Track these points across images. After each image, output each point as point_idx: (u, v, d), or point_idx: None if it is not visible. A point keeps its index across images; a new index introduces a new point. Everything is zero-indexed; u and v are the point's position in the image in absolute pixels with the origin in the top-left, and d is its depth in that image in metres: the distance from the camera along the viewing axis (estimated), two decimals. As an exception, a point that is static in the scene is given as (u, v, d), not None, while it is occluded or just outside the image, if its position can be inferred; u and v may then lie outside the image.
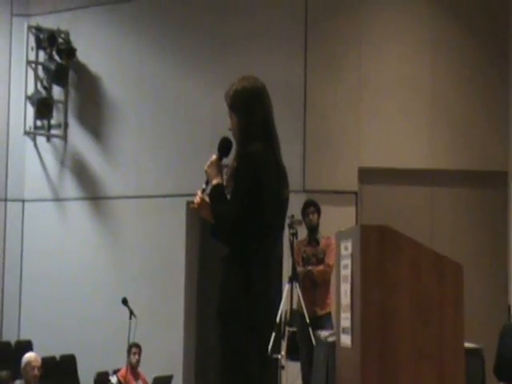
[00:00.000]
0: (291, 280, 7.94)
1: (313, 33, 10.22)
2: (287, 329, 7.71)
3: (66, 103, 11.83)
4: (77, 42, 11.69)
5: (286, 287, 7.83)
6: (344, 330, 4.33)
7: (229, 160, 3.85)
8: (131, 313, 8.87)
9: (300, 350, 7.90)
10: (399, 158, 10.05)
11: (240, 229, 3.63)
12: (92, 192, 11.49)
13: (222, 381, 3.67)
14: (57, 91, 11.82)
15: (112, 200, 11.33)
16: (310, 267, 8.29)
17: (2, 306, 11.80)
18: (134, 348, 9.44)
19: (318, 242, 8.45)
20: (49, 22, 11.77)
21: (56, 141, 11.86)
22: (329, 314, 8.18)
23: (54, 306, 11.34)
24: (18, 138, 11.93)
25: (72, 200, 11.63)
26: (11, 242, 11.90)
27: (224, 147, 3.85)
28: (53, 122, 11.84)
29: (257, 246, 3.67)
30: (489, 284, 9.83)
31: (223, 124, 3.94)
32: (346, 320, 4.28)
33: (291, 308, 7.93)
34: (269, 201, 3.68)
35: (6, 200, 12.00)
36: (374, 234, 4.07)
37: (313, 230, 8.47)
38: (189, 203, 10.39)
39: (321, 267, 8.28)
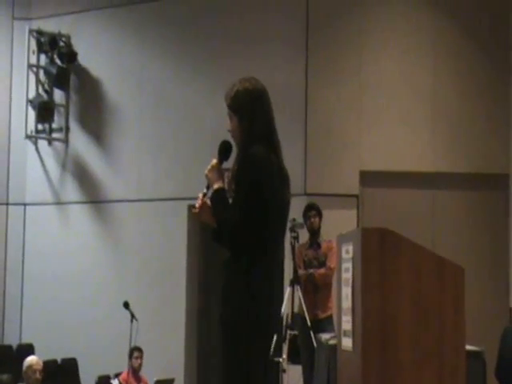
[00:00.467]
0: (292, 283, 7.95)
1: (314, 37, 10.23)
2: (288, 332, 7.71)
3: (67, 107, 11.84)
4: (78, 46, 11.71)
5: (287, 290, 7.83)
6: (345, 333, 4.34)
7: (229, 163, 3.83)
8: (132, 316, 8.87)
9: (301, 353, 7.90)
10: (400, 161, 10.05)
11: (243, 233, 3.59)
12: (93, 195, 11.50)
13: None
14: (58, 95, 11.84)
15: (113, 203, 11.34)
16: (311, 270, 8.29)
17: (4, 309, 11.81)
18: (136, 352, 9.44)
19: (319, 246, 8.45)
20: (50, 26, 11.79)
21: (57, 144, 11.88)
22: (330, 317, 8.18)
23: (55, 309, 11.35)
24: (19, 141, 11.95)
25: (73, 203, 11.64)
26: (13, 245, 11.91)
27: (224, 150, 3.81)
28: (54, 125, 11.86)
29: (260, 250, 3.64)
30: (490, 286, 9.83)
31: (224, 128, 3.93)
32: (347, 323, 4.28)
33: (292, 311, 7.93)
34: (272, 204, 3.65)
35: (7, 204, 12.02)
36: (375, 237, 4.07)
37: (314, 233, 8.47)
38: (190, 206, 10.37)
39: (322, 270, 8.29)
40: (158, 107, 11.13)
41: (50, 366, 9.45)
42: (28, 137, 11.86)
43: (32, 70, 11.85)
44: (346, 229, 4.91)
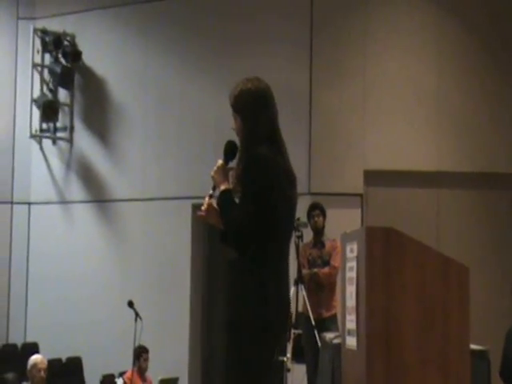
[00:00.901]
0: (297, 282, 7.95)
1: (318, 37, 10.24)
2: (293, 331, 7.71)
3: (71, 106, 11.86)
4: (82, 45, 11.72)
5: (291, 290, 7.84)
6: (349, 332, 4.34)
7: (234, 163, 3.82)
8: (137, 315, 8.89)
9: (305, 352, 7.91)
10: (404, 161, 10.05)
11: (251, 234, 3.56)
12: (97, 195, 11.51)
13: None
14: (63, 94, 11.86)
15: (117, 203, 11.35)
16: (315, 269, 8.30)
17: (9, 308, 11.83)
18: (145, 354, 9.43)
19: (323, 245, 8.46)
20: (54, 25, 11.81)
21: (62, 143, 11.89)
22: (334, 316, 8.19)
23: (59, 308, 11.37)
24: (23, 140, 11.97)
25: (78, 203, 11.66)
26: (17, 244, 11.93)
27: (230, 151, 3.78)
28: (58, 124, 11.87)
29: (268, 250, 3.62)
30: (494, 285, 9.82)
31: (228, 127, 3.93)
32: (351, 322, 4.29)
33: (296, 310, 7.94)
34: (279, 205, 3.63)
35: (12, 203, 12.04)
36: (380, 235, 4.07)
37: (318, 232, 8.48)
38: (194, 206, 10.41)
39: (326, 269, 8.29)
40: (162, 106, 11.14)
41: (54, 365, 9.47)
42: (32, 136, 11.88)
43: (36, 70, 11.87)
44: (350, 228, 4.91)
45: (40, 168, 11.98)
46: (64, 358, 10.53)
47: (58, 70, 11.57)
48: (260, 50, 10.39)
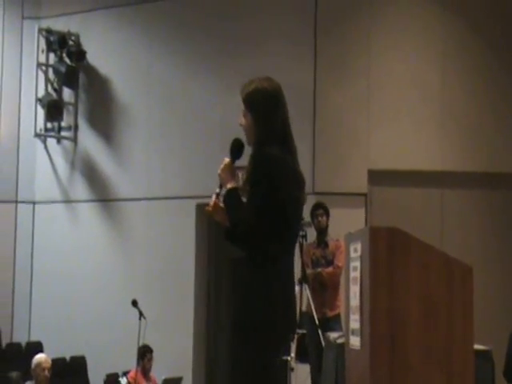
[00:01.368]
0: (300, 282, 7.95)
1: (322, 36, 10.24)
2: (296, 331, 7.71)
3: (76, 105, 11.88)
4: (87, 45, 11.74)
5: (295, 289, 7.83)
6: (353, 332, 4.34)
7: (242, 162, 3.80)
8: (141, 314, 8.90)
9: (309, 352, 7.91)
10: (408, 160, 10.05)
11: (259, 233, 3.55)
12: (102, 194, 11.53)
13: None
14: (67, 93, 11.88)
15: (122, 202, 11.37)
16: (319, 269, 8.30)
17: (13, 307, 11.86)
18: (149, 353, 9.43)
19: (327, 245, 8.46)
20: (59, 25, 11.83)
21: (66, 143, 11.91)
22: (338, 315, 8.18)
23: (64, 307, 11.38)
24: (28, 140, 12.00)
25: (82, 202, 11.67)
26: (22, 243, 11.95)
27: (236, 149, 3.76)
28: (63, 124, 11.89)
29: (276, 250, 3.62)
30: (498, 285, 9.82)
31: (233, 126, 3.92)
32: (355, 322, 4.29)
33: (300, 310, 7.93)
34: (288, 206, 3.62)
35: (16, 202, 12.06)
36: (384, 235, 4.06)
37: (322, 232, 8.48)
38: (198, 205, 10.42)
39: (330, 269, 8.29)
40: (166, 106, 11.15)
41: (58, 364, 9.48)
42: (37, 135, 11.90)
43: (41, 69, 11.89)
44: (354, 228, 4.91)
45: (44, 167, 12.00)
46: (68, 357, 10.54)
47: (62, 69, 11.59)
48: (264, 49, 10.40)
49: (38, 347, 10.66)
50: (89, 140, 11.72)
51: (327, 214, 8.49)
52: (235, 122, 3.84)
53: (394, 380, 4.00)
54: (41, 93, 11.80)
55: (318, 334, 7.67)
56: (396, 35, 10.22)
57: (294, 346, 7.58)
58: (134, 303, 9.01)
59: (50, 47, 11.78)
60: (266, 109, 3.70)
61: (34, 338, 11.40)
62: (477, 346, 4.51)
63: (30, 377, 8.40)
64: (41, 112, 11.76)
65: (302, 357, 7.73)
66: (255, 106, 3.71)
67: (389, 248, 4.04)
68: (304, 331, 7.82)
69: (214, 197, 3.74)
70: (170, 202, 10.95)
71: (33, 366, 8.31)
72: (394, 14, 10.30)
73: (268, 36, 10.45)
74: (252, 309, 3.60)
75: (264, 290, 3.60)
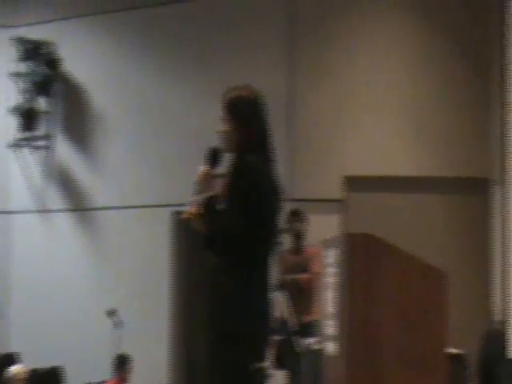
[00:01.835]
0: (277, 288, 7.95)
1: (298, 43, 10.28)
2: (273, 337, 7.71)
3: (51, 114, 11.81)
4: (62, 53, 11.69)
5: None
6: (330, 338, 4.36)
7: (220, 169, 3.79)
8: (117, 324, 8.86)
9: (286, 358, 7.91)
10: (384, 166, 10.09)
11: (236, 241, 3.57)
12: (78, 203, 11.48)
13: None
14: (42, 102, 11.81)
15: (97, 211, 11.32)
16: (296, 276, 8.31)
17: (-11, 318, 11.75)
18: (127, 363, 9.35)
19: (303, 251, 8.47)
20: (34, 33, 11.76)
21: (41, 152, 11.84)
22: (315, 321, 8.19)
23: (41, 317, 11.30)
24: (2, 149, 11.91)
25: (58, 211, 11.61)
26: (-3, 253, 11.85)
27: (213, 158, 3.76)
28: (38, 133, 11.81)
29: (254, 259, 3.63)
30: (472, 289, 9.87)
31: (208, 135, 3.92)
32: (331, 328, 4.31)
33: (277, 316, 7.94)
34: (266, 214, 3.63)
35: (-9, 212, 11.97)
36: (359, 241, 4.09)
37: (298, 238, 8.49)
38: (173, 214, 10.40)
39: (306, 275, 8.30)
40: (142, 114, 11.13)
41: (35, 375, 9.41)
42: (11, 145, 11.82)
43: (16, 78, 11.81)
44: (330, 234, 4.94)
45: (19, 177, 11.92)
46: (45, 368, 10.46)
47: (37, 78, 11.53)
48: (240, 57, 10.43)
49: (14, 358, 10.58)
50: (64, 149, 11.66)
51: (303, 220, 8.50)
52: (211, 130, 3.84)
53: (370, 385, 4.02)
54: (15, 102, 11.72)
55: (295, 339, 7.67)
56: (371, 42, 10.28)
57: (270, 353, 7.59)
58: (110, 313, 8.96)
59: (24, 56, 11.71)
60: (249, 116, 3.74)
61: (11, 349, 11.30)
62: (451, 350, 4.54)
63: (6, 388, 8.35)
64: (15, 121, 11.68)
65: (278, 363, 7.73)
66: (236, 112, 3.74)
67: (364, 254, 4.07)
68: (281, 337, 7.82)
69: (190, 205, 3.73)
70: (145, 211, 10.92)
71: (8, 377, 8.25)
72: (370, 22, 10.35)
73: (243, 44, 10.48)
74: (227, 317, 3.61)
75: (240, 298, 3.61)
